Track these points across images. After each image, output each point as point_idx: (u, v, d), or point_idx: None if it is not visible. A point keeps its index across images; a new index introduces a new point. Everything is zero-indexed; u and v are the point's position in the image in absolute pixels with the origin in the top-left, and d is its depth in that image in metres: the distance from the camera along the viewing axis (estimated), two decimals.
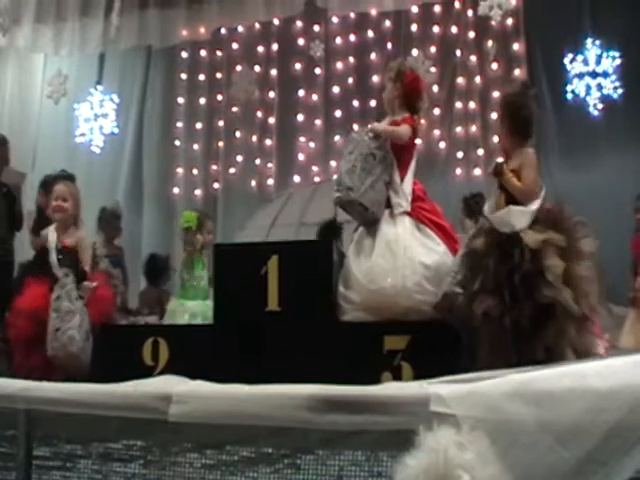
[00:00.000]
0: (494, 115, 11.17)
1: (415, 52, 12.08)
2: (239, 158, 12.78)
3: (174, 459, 4.09)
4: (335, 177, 6.50)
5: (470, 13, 11.84)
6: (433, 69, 11.97)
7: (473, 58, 11.85)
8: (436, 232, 6.30)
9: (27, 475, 4.41)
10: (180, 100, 13.21)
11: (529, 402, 3.43)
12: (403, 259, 6.13)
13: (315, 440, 3.81)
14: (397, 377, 5.77)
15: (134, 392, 4.39)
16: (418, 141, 6.95)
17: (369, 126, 6.55)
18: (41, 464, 4.41)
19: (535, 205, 5.59)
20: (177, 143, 13.10)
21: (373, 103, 11.89)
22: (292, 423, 3.86)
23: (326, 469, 3.75)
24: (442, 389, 3.63)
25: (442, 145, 11.71)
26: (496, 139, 11.04)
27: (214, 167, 12.94)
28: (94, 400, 4.39)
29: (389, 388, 3.90)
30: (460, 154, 11.59)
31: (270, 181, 12.59)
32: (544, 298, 5.20)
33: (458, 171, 11.54)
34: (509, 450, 3.30)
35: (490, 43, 11.77)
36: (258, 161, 12.68)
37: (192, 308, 8.06)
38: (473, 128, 11.57)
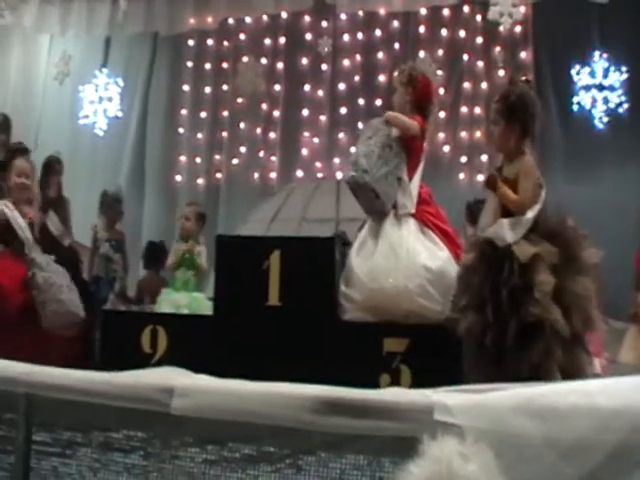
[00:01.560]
0: None
1: (422, 54, 12.07)
2: (242, 149, 12.81)
3: (175, 452, 4.09)
4: (352, 159, 6.50)
5: (479, 18, 11.90)
6: (440, 72, 11.96)
7: (480, 64, 11.90)
8: (440, 237, 6.31)
9: (26, 460, 4.39)
10: (185, 88, 13.21)
11: (534, 417, 3.44)
12: (406, 261, 6.13)
13: (317, 442, 3.80)
14: (395, 380, 5.80)
15: (136, 383, 4.38)
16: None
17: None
18: (40, 449, 4.40)
19: (531, 213, 5.50)
20: (181, 131, 13.11)
21: (379, 102, 11.91)
22: (295, 424, 3.86)
23: (328, 471, 3.75)
24: (447, 398, 3.64)
25: (446, 149, 11.75)
26: None
27: (217, 157, 12.95)
28: (96, 389, 4.37)
29: (394, 394, 3.90)
30: (464, 159, 11.64)
31: (273, 174, 12.62)
32: (530, 316, 5.16)
33: (461, 176, 11.60)
34: (513, 464, 3.30)
35: (498, 49, 11.79)
36: (262, 153, 12.71)
37: (178, 300, 8.10)
38: (478, 134, 11.60)
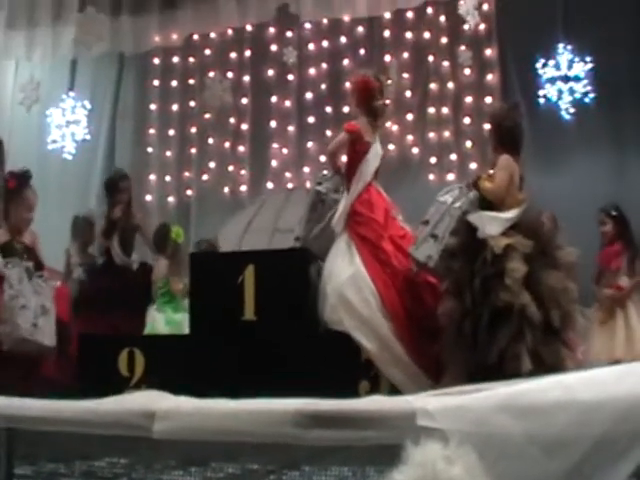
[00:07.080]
0: (467, 120, 11.34)
1: (388, 58, 12.08)
2: (212, 164, 12.75)
3: (159, 476, 4.06)
4: (308, 185, 6.60)
5: (443, 19, 11.94)
6: (406, 75, 11.98)
7: (446, 64, 11.91)
8: (360, 248, 6.30)
9: None
10: (152, 107, 13.14)
11: (515, 415, 3.43)
12: (329, 288, 6.20)
13: (301, 456, 3.78)
14: (375, 387, 5.84)
15: (117, 409, 4.34)
16: (377, 149, 6.76)
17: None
18: None
19: (510, 214, 5.62)
20: (149, 150, 13.04)
21: (346, 109, 11.84)
22: (278, 439, 3.83)
23: None
24: (429, 403, 3.62)
25: (415, 150, 11.72)
26: (469, 144, 11.15)
27: (187, 174, 12.88)
28: (77, 418, 4.33)
29: (375, 402, 3.88)
30: (433, 159, 11.61)
31: (243, 187, 12.55)
32: (500, 301, 5.24)
33: (431, 176, 11.56)
34: (497, 463, 3.29)
35: (463, 49, 11.81)
36: (231, 167, 12.64)
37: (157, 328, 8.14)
38: (446, 133, 11.61)
